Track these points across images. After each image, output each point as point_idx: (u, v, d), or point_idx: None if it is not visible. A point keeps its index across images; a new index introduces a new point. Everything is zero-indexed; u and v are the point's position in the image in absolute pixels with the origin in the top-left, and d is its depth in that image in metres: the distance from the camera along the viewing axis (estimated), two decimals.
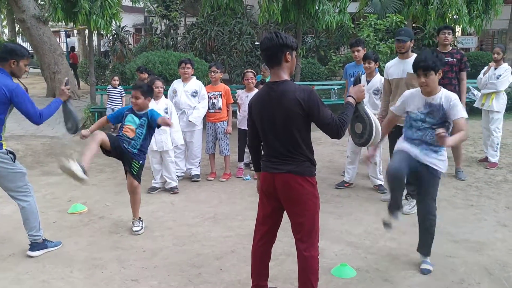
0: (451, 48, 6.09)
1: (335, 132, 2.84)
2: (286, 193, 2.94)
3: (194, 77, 6.26)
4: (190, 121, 6.06)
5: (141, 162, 4.54)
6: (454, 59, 5.95)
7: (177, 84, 6.23)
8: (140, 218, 4.67)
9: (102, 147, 4.23)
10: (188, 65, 6.11)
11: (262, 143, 3.10)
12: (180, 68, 6.14)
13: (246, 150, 6.51)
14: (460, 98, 5.95)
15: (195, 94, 6.12)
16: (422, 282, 3.60)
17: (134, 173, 4.51)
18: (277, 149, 2.93)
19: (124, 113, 4.64)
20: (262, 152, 3.13)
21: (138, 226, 4.60)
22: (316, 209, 2.99)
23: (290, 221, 3.04)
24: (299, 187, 2.90)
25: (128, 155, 4.46)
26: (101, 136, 4.16)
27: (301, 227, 2.98)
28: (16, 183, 3.91)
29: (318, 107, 2.81)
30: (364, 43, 6.51)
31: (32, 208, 4.00)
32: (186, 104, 6.07)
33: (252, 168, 6.57)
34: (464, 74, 5.98)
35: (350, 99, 3.04)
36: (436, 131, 3.34)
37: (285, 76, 2.91)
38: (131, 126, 4.52)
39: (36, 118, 3.79)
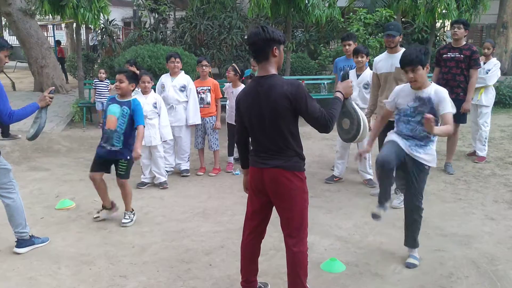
0: (464, 43, 6.06)
1: (323, 126, 2.82)
2: (275, 188, 2.92)
3: (182, 72, 6.21)
4: (190, 123, 6.15)
5: (128, 157, 4.53)
6: (462, 55, 5.92)
7: (165, 78, 6.16)
8: (132, 210, 4.73)
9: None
10: (178, 59, 6.06)
11: (250, 138, 3.07)
12: (169, 63, 6.07)
13: None
14: (466, 96, 5.97)
15: (183, 88, 6.07)
16: (411, 276, 3.62)
17: (122, 173, 4.56)
18: (265, 144, 2.91)
19: (107, 104, 4.67)
20: (251, 148, 3.11)
21: (127, 219, 4.63)
22: (305, 204, 2.98)
23: (279, 216, 3.03)
24: (287, 182, 2.88)
25: (114, 159, 4.54)
26: (96, 179, 4.58)
27: (290, 222, 2.97)
28: (0, 179, 3.84)
29: (306, 101, 2.78)
30: (355, 37, 6.50)
31: (17, 205, 3.93)
32: (174, 99, 6.03)
33: None
34: (473, 72, 5.94)
35: (339, 94, 3.03)
36: (425, 115, 3.36)
37: (273, 71, 2.88)
38: (112, 116, 4.52)
39: (6, 117, 3.68)
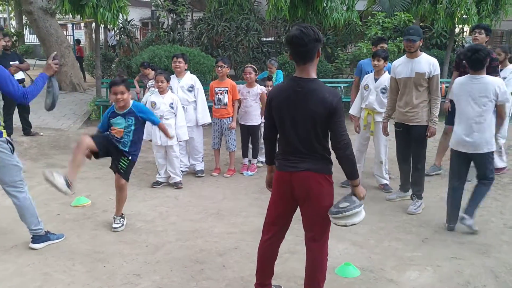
0: None
1: (341, 145, 2.81)
2: (305, 192, 2.87)
3: (188, 72, 6.19)
4: (201, 124, 6.17)
5: (130, 158, 4.37)
6: None
7: (171, 80, 6.03)
8: (122, 215, 4.58)
9: (91, 151, 4.11)
10: (180, 59, 6.01)
11: (279, 138, 3.01)
12: (172, 62, 6.07)
13: (250, 146, 6.51)
14: None
15: (191, 89, 6.06)
16: (427, 283, 3.56)
17: (122, 171, 4.37)
18: (295, 145, 2.86)
19: (108, 117, 4.43)
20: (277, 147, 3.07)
21: (118, 223, 4.50)
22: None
23: (304, 219, 2.98)
24: (318, 185, 2.85)
25: (118, 151, 4.33)
26: (86, 143, 3.98)
27: (315, 226, 2.94)
28: (12, 176, 3.81)
29: (340, 115, 2.78)
30: (387, 40, 6.43)
31: (26, 204, 3.91)
32: (184, 100, 5.99)
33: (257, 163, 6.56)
34: None
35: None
36: None
37: (314, 74, 2.82)
38: (117, 128, 4.33)
39: (21, 98, 3.68)
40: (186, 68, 6.14)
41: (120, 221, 4.53)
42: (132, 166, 4.48)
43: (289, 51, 2.90)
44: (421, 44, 4.91)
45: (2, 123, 3.81)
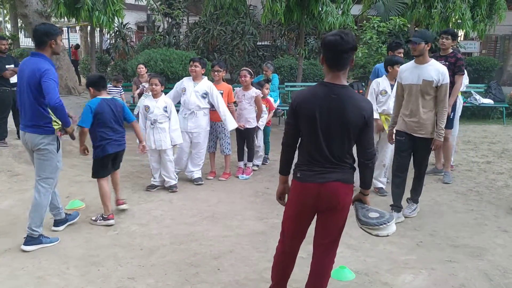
0: (450, 51, 6.04)
1: (371, 157, 2.83)
2: (333, 203, 2.80)
3: (205, 77, 6.10)
4: (231, 129, 6.15)
5: (93, 158, 4.73)
6: (447, 62, 5.87)
7: (187, 82, 6.05)
8: (103, 215, 4.71)
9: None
10: (196, 63, 5.96)
11: (304, 147, 2.86)
12: (189, 66, 6.05)
13: (245, 149, 6.51)
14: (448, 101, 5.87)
15: (205, 95, 5.97)
16: (421, 286, 3.57)
17: None
18: (325, 155, 2.76)
19: None
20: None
21: (94, 217, 4.75)
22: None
23: (321, 228, 2.93)
24: (345, 196, 2.82)
25: None
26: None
27: (331, 235, 2.93)
28: (46, 173, 4.01)
29: (373, 124, 2.80)
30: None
31: (43, 203, 4.04)
32: (195, 105, 5.94)
33: (251, 166, 6.55)
34: (457, 78, 5.92)
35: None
36: None
37: (345, 81, 2.75)
38: None
39: (55, 100, 3.79)
40: (203, 72, 6.08)
41: (96, 216, 4.74)
42: (94, 163, 4.75)
43: (324, 55, 2.73)
44: (428, 48, 4.65)
45: (56, 119, 4.00)
